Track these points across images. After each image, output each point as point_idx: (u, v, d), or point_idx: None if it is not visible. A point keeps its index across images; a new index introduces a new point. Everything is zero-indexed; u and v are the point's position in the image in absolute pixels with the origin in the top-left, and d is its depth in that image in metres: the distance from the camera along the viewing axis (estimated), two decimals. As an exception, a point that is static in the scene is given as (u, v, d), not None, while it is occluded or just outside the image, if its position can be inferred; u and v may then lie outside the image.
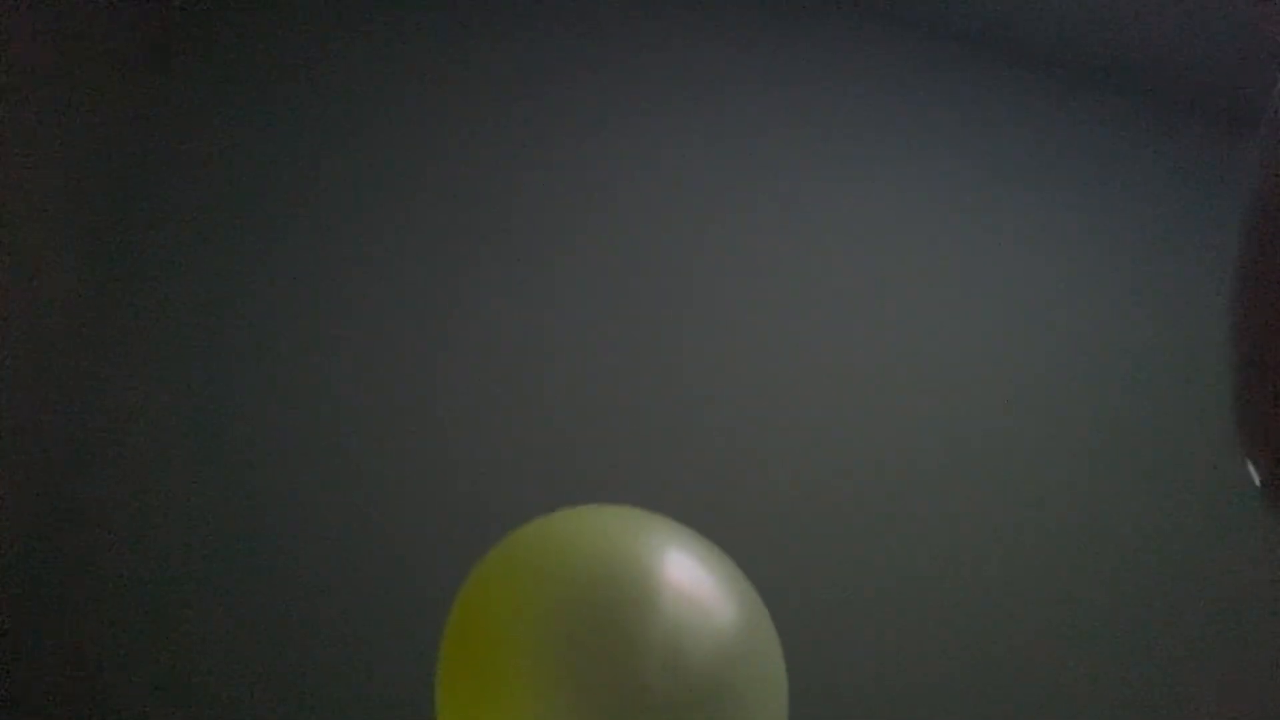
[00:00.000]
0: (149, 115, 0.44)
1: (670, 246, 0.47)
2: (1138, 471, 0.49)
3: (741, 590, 0.27)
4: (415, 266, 0.45)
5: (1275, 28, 0.44)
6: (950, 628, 0.46)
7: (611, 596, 0.25)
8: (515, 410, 0.45)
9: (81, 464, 0.42)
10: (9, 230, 0.36)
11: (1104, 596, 0.48)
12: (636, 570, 0.26)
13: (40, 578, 0.41)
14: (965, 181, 0.50)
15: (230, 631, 0.42)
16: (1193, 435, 0.50)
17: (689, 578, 0.26)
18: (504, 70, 0.47)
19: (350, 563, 0.43)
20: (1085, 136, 0.51)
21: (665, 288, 0.47)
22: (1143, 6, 0.45)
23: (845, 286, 0.48)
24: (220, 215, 0.44)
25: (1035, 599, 0.47)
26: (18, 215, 0.36)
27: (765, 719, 0.26)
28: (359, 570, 0.43)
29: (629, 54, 0.48)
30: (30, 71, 0.35)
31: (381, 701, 0.42)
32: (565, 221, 0.47)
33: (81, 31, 0.38)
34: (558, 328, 0.46)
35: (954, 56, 0.51)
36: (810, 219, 0.49)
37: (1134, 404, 0.50)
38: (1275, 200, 0.19)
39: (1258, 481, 0.20)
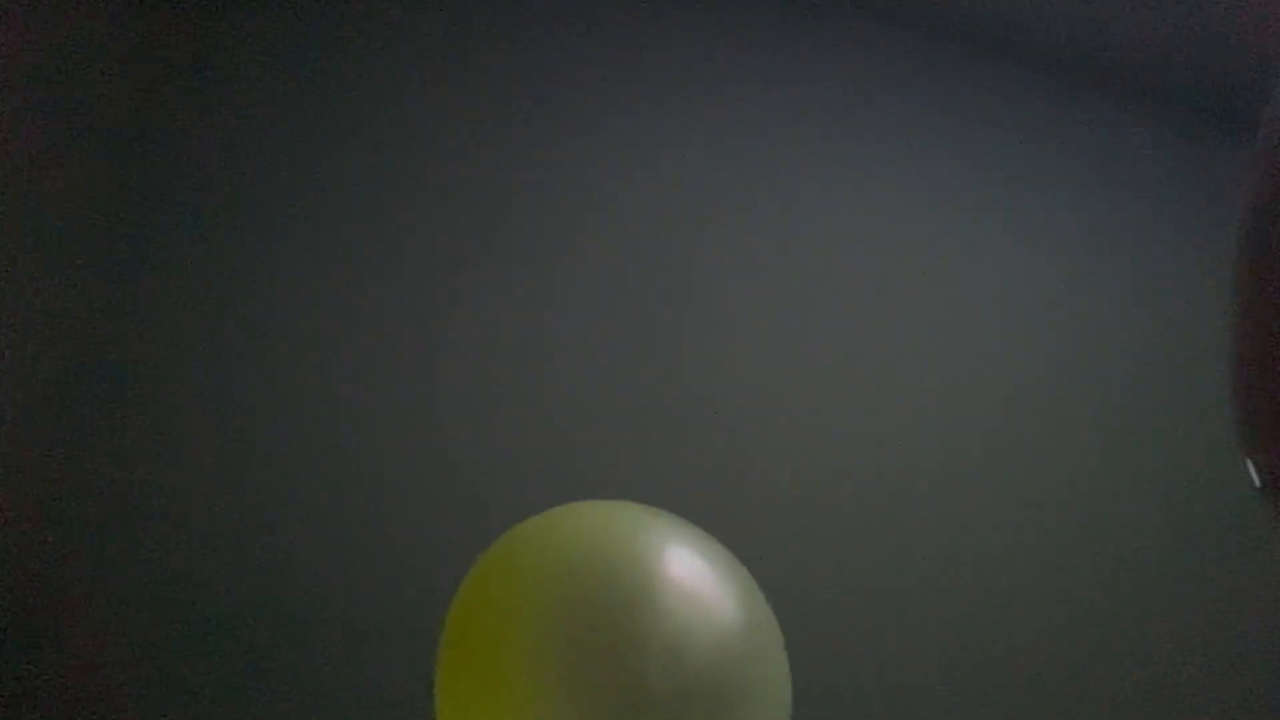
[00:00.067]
0: (149, 114, 0.44)
1: (670, 246, 0.47)
2: (1138, 471, 0.49)
3: (744, 587, 0.27)
4: (415, 266, 0.45)
5: (1274, 28, 0.44)
6: (951, 625, 0.46)
7: (612, 594, 0.25)
8: (515, 409, 0.45)
9: (81, 464, 0.42)
10: (9, 230, 0.36)
11: (1104, 596, 0.48)
12: (637, 568, 0.26)
13: (40, 578, 0.41)
14: (965, 181, 0.50)
15: (230, 631, 0.42)
16: (1193, 435, 0.50)
17: (691, 575, 0.26)
18: (504, 70, 0.47)
19: (350, 561, 0.43)
20: (1085, 136, 0.51)
21: (665, 287, 0.47)
22: (1142, 7, 0.45)
23: (845, 286, 0.48)
24: (220, 215, 0.44)
25: (1035, 598, 0.47)
26: (18, 215, 0.36)
27: (768, 718, 0.26)
28: (358, 568, 0.43)
29: (629, 54, 0.48)
30: (30, 71, 0.35)
31: (381, 700, 0.42)
32: (565, 221, 0.47)
33: (82, 31, 0.38)
34: (558, 327, 0.46)
35: (954, 56, 0.51)
36: (810, 219, 0.49)
37: (1134, 404, 0.50)
38: (1275, 201, 0.19)
39: (1258, 481, 0.20)
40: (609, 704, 0.24)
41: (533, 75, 0.47)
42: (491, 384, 0.45)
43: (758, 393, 0.47)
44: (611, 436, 0.45)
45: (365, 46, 0.46)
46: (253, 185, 0.45)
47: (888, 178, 0.49)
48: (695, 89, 0.49)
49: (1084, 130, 0.51)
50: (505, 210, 0.46)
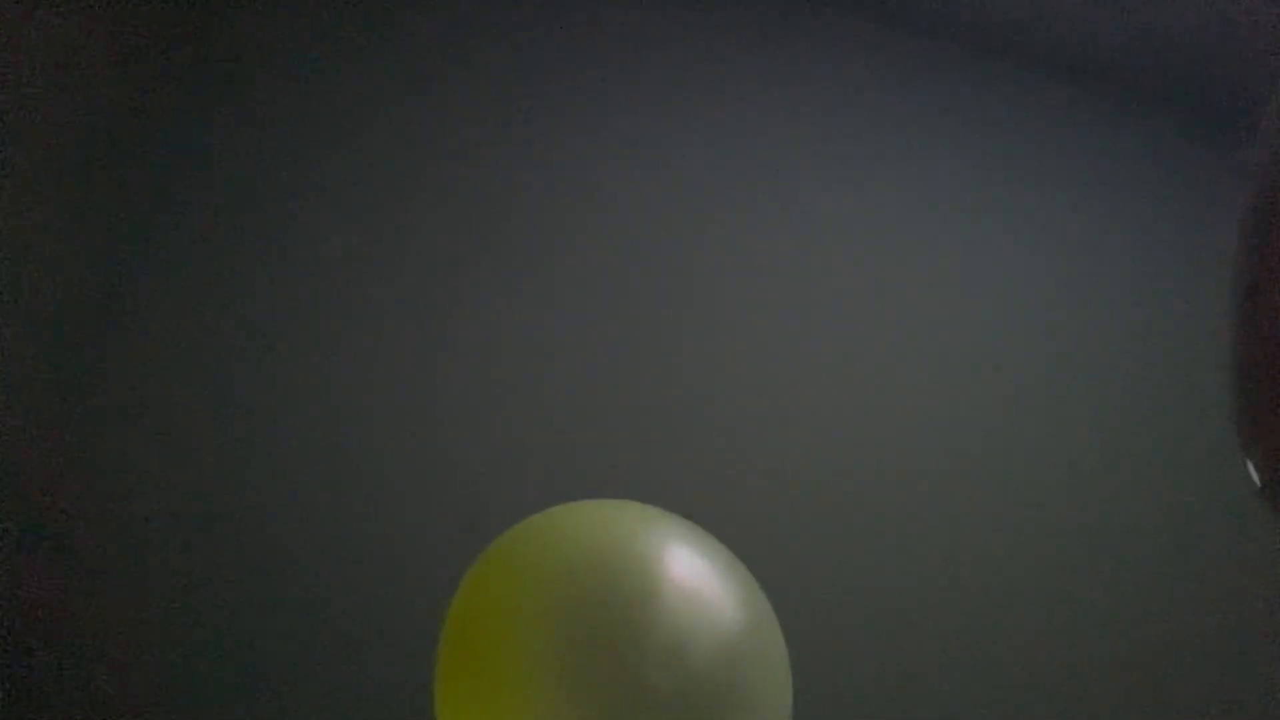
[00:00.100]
0: (149, 113, 0.44)
1: (670, 246, 0.47)
2: (1138, 471, 0.49)
3: (745, 587, 0.27)
4: (415, 266, 0.45)
5: (1274, 28, 0.44)
6: (951, 625, 0.46)
7: (612, 594, 0.25)
8: (515, 409, 0.45)
9: (81, 464, 0.42)
10: (8, 229, 0.36)
11: (1104, 596, 0.48)
12: (638, 568, 0.26)
13: (40, 577, 0.41)
14: (965, 181, 0.50)
15: (229, 631, 0.42)
16: (1193, 435, 0.50)
17: (692, 574, 0.26)
18: (504, 70, 0.47)
19: (349, 560, 0.43)
20: (1085, 137, 0.51)
21: (665, 287, 0.47)
22: (1143, 7, 0.45)
23: (845, 286, 0.48)
24: (220, 215, 0.44)
25: (1035, 598, 0.47)
26: (18, 215, 0.36)
27: (768, 718, 0.26)
28: (358, 568, 0.43)
29: (629, 54, 0.48)
30: (30, 70, 0.35)
31: (380, 700, 0.42)
32: (565, 221, 0.47)
33: (82, 31, 0.38)
34: (558, 327, 0.46)
35: (954, 56, 0.51)
36: (810, 219, 0.49)
37: (1134, 404, 0.50)
38: (1275, 200, 0.19)
39: (1258, 482, 0.20)
40: (609, 704, 0.24)
41: (533, 75, 0.47)
42: (491, 384, 0.45)
43: (758, 393, 0.47)
44: (611, 436, 0.45)
45: (365, 46, 0.46)
46: (253, 185, 0.45)
47: (888, 178, 0.49)
48: (695, 89, 0.49)
49: (1084, 130, 0.51)
50: (505, 210, 0.46)
